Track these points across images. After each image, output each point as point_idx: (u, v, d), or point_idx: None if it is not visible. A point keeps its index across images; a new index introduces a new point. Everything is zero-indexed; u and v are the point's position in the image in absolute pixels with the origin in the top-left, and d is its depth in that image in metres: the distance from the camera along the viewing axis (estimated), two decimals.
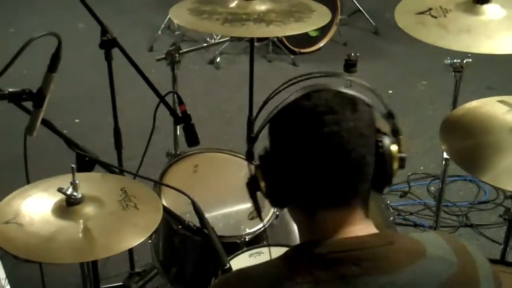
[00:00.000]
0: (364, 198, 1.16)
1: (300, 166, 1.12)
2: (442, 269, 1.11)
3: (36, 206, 1.69)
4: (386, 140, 1.15)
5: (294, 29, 2.40)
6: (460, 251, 1.16)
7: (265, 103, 1.25)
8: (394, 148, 1.15)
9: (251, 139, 1.23)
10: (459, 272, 1.12)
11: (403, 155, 1.17)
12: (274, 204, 1.21)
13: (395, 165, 1.16)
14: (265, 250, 2.04)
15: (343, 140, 1.08)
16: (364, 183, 1.13)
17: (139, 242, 1.62)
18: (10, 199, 1.72)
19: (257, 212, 1.29)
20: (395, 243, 1.11)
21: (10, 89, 1.50)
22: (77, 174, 1.67)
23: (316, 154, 1.09)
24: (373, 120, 1.15)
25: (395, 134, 1.18)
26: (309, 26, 2.43)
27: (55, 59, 1.50)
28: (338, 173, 1.10)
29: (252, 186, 1.22)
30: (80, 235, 1.61)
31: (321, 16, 2.46)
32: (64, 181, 1.69)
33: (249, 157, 1.23)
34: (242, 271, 1.18)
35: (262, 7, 2.42)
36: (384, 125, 1.17)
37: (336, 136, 1.08)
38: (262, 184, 1.19)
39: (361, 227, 1.14)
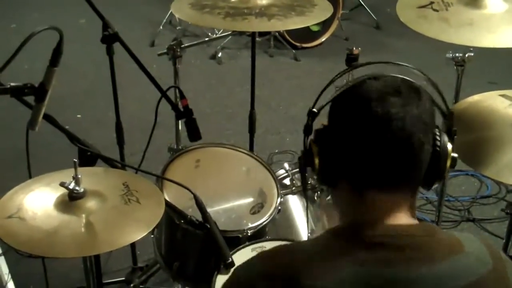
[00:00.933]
0: (414, 187, 1.18)
1: (358, 143, 1.12)
2: (478, 267, 1.14)
3: (38, 200, 1.69)
4: (445, 137, 1.17)
5: (295, 23, 2.40)
6: (494, 255, 1.18)
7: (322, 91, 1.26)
8: (450, 146, 1.18)
9: (312, 114, 1.24)
10: (493, 273, 1.15)
11: (455, 155, 1.20)
12: (323, 181, 1.22)
13: (448, 162, 1.18)
14: (267, 244, 2.05)
15: (406, 123, 1.10)
16: (417, 171, 1.15)
17: (141, 236, 1.62)
18: (12, 194, 1.72)
19: (304, 190, 1.33)
20: (436, 235, 1.14)
21: (12, 84, 1.50)
22: (79, 169, 1.67)
23: (376, 133, 1.10)
24: (434, 113, 1.17)
25: (450, 133, 1.20)
26: (310, 20, 2.43)
27: (57, 53, 1.49)
28: (395, 155, 1.11)
29: (304, 161, 1.23)
30: (83, 229, 1.61)
31: (322, 10, 2.46)
32: (67, 175, 1.69)
33: (306, 131, 1.23)
34: (292, 245, 1.22)
35: (264, 1, 2.43)
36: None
37: (400, 118, 1.10)
38: (316, 160, 1.19)
39: (406, 215, 1.16)
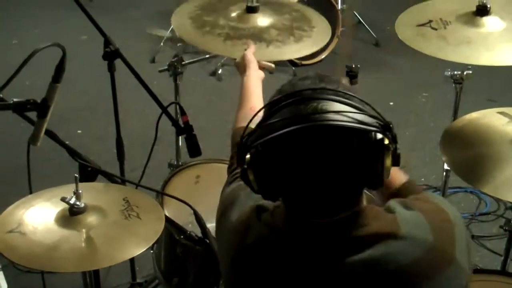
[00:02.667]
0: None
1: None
2: (412, 249, 1.14)
3: (39, 215, 1.70)
4: None
5: (292, 53, 2.41)
6: (436, 227, 1.17)
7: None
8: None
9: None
10: (431, 252, 1.14)
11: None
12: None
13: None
14: None
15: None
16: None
17: (141, 251, 1.63)
18: (13, 209, 1.73)
19: None
20: (372, 221, 1.15)
21: (15, 99, 1.51)
22: (80, 184, 1.68)
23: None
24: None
25: None
26: (309, 48, 2.41)
27: (60, 70, 1.51)
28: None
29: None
30: (83, 244, 1.62)
31: (321, 33, 2.44)
32: (67, 191, 1.70)
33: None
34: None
35: (263, 23, 2.42)
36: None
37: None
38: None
39: None
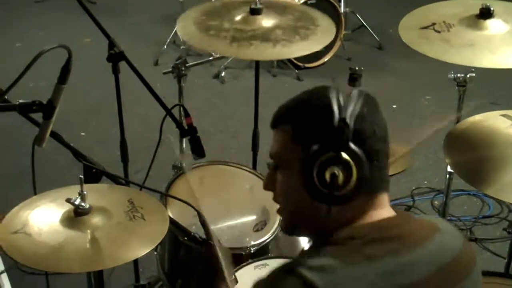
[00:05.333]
0: None
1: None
2: (455, 241, 1.24)
3: (44, 216, 1.71)
4: None
5: (300, 50, 2.42)
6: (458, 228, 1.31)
7: None
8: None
9: None
10: (466, 244, 1.25)
11: None
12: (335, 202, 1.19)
13: None
14: (270, 261, 2.05)
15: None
16: None
17: (146, 252, 1.63)
18: (18, 210, 1.74)
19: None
20: (417, 221, 1.25)
21: (21, 100, 1.51)
22: (85, 185, 1.69)
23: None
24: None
25: None
26: (314, 46, 2.43)
27: (65, 71, 1.51)
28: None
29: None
30: (88, 245, 1.63)
31: (325, 31, 2.47)
32: (72, 192, 1.70)
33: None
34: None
35: (268, 23, 2.43)
36: None
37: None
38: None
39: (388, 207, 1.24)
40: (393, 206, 1.25)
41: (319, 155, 1.14)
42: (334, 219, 1.18)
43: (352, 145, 1.14)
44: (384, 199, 1.22)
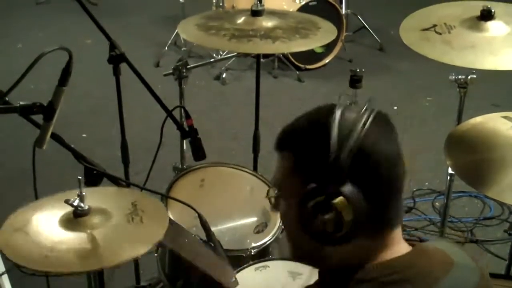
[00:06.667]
0: None
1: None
2: (472, 275, 1.17)
3: (44, 218, 1.70)
4: None
5: (300, 45, 2.43)
6: (472, 257, 1.21)
7: None
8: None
9: None
10: (482, 278, 1.18)
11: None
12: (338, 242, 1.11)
13: None
14: (271, 263, 2.05)
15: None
16: None
17: (145, 251, 1.63)
18: (19, 212, 1.73)
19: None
20: (427, 254, 1.16)
21: (21, 102, 1.52)
22: (89, 188, 1.68)
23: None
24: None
25: None
26: (314, 43, 2.46)
27: (66, 73, 1.52)
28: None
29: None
30: (86, 245, 1.62)
31: (327, 33, 2.48)
32: (75, 195, 1.70)
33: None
34: None
35: (269, 24, 2.45)
36: None
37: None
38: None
39: (402, 241, 1.16)
40: (404, 235, 1.17)
41: (313, 197, 1.08)
42: (337, 258, 1.13)
43: (347, 187, 1.05)
44: (395, 236, 1.14)
